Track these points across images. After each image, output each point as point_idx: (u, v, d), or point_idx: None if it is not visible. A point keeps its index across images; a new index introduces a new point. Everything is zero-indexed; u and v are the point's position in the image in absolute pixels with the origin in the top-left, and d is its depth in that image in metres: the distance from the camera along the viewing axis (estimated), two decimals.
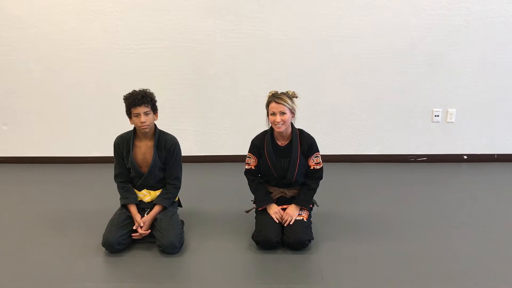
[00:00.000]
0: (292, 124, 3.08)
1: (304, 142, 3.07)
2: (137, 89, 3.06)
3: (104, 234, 3.02)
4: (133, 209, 3.12)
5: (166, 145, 3.18)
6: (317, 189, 3.15)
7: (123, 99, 3.03)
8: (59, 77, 4.50)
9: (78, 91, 4.54)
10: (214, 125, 4.63)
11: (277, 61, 4.39)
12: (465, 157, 4.68)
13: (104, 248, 3.03)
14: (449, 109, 4.51)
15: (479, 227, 3.40)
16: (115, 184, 3.21)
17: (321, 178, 3.14)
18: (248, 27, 4.28)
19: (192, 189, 4.01)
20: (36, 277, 2.82)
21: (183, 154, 4.66)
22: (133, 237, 3.05)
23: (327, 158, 4.67)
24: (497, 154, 4.66)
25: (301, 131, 3.12)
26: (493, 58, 4.33)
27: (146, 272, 2.80)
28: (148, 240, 3.12)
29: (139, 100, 3.00)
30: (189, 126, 4.62)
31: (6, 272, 2.86)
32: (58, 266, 2.92)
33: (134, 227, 3.05)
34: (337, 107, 4.53)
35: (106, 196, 3.98)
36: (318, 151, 3.10)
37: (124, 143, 3.14)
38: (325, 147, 4.65)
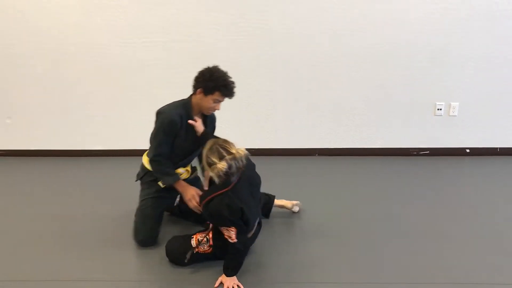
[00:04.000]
0: None
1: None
2: (226, 73, 2.98)
3: (139, 229, 3.04)
4: (182, 183, 3.07)
5: (211, 120, 3.21)
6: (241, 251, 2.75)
7: (215, 77, 2.90)
8: (62, 71, 4.50)
9: (81, 85, 4.55)
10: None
11: (280, 55, 4.39)
12: (468, 150, 4.68)
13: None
14: (452, 103, 4.50)
15: (482, 220, 3.41)
16: (152, 163, 3.04)
17: (239, 249, 2.69)
18: (251, 21, 4.27)
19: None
20: (40, 273, 2.85)
21: None
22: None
23: (330, 152, 4.70)
24: (500, 148, 4.66)
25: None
26: (495, 52, 4.32)
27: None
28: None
29: (232, 94, 2.97)
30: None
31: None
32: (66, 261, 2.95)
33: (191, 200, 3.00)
34: (340, 101, 4.53)
35: (110, 190, 4.01)
36: (228, 225, 2.64)
37: (184, 121, 2.98)
38: (328, 141, 4.66)
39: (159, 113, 2.98)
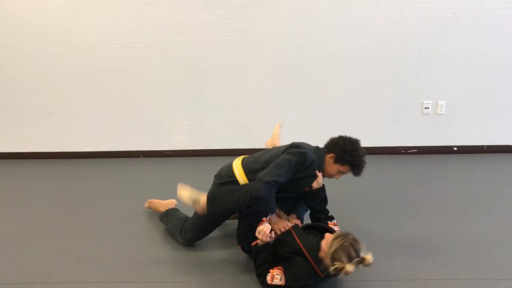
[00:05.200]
0: None
1: None
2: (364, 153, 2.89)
3: (194, 229, 3.00)
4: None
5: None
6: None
7: (357, 155, 2.82)
8: (50, 72, 4.47)
9: (69, 86, 4.52)
10: (206, 119, 4.64)
11: (269, 54, 4.40)
12: (455, 148, 4.73)
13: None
14: (439, 101, 4.55)
15: (469, 217, 3.46)
16: (268, 186, 2.71)
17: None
18: (239, 21, 4.28)
19: (188, 184, 4.03)
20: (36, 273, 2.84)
21: (175, 148, 4.72)
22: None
23: None
24: (487, 146, 4.72)
25: None
26: (482, 51, 4.37)
27: None
28: None
29: (360, 174, 2.91)
30: (181, 120, 4.63)
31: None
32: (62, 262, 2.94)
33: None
34: (329, 100, 4.56)
35: (100, 191, 4.00)
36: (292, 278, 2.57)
37: (310, 165, 2.84)
38: (317, 140, 4.66)
39: (297, 147, 2.82)
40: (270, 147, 3.24)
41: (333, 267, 2.38)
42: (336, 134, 4.59)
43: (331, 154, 2.82)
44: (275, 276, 2.54)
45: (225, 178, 3.00)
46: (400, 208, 3.62)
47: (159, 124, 4.65)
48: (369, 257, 2.39)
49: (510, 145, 4.71)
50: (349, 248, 2.38)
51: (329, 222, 2.96)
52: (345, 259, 2.35)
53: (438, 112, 4.59)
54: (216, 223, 3.05)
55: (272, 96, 4.54)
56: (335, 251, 2.38)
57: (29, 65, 4.45)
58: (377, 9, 4.24)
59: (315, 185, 2.95)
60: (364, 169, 2.87)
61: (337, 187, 3.94)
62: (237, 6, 4.24)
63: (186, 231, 3.03)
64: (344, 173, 2.88)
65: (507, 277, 2.74)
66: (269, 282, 2.55)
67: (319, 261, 2.54)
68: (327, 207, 3.01)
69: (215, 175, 3.12)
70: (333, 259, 2.38)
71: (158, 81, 4.48)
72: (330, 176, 2.93)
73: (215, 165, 3.25)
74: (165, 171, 4.40)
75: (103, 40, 4.36)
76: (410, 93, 4.53)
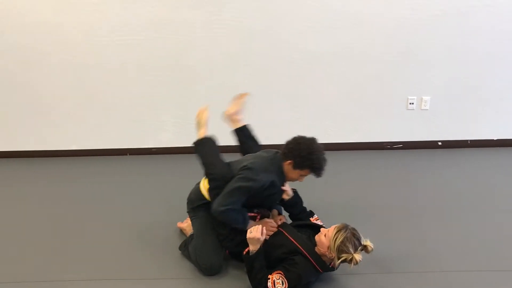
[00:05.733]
0: None
1: None
2: (322, 150, 2.81)
3: (205, 260, 2.80)
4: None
5: None
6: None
7: (313, 158, 2.72)
8: (35, 70, 4.42)
9: (55, 85, 4.48)
10: (193, 116, 4.61)
11: (257, 51, 4.40)
12: (440, 143, 4.80)
13: None
14: (423, 97, 4.60)
15: (453, 210, 3.52)
16: (223, 215, 2.73)
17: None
18: (227, 17, 4.27)
19: (175, 181, 4.04)
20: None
21: (162, 146, 4.71)
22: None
23: None
24: (470, 140, 4.79)
25: None
26: (465, 47, 4.42)
27: None
28: None
29: (322, 175, 2.82)
30: (168, 117, 4.62)
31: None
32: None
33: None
34: (316, 96, 4.58)
35: (87, 190, 3.98)
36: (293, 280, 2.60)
37: (271, 185, 2.78)
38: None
39: (249, 171, 2.72)
40: (228, 115, 3.26)
41: (341, 259, 2.43)
42: (324, 130, 4.69)
43: (289, 161, 2.73)
44: (276, 281, 2.53)
45: (197, 202, 2.96)
46: (386, 203, 3.67)
47: (145, 121, 4.63)
48: (369, 243, 2.49)
49: (493, 139, 4.79)
50: (353, 238, 2.45)
51: (311, 218, 2.98)
52: (352, 250, 2.43)
53: (423, 107, 4.64)
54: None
55: (260, 93, 4.54)
56: (342, 243, 2.43)
57: (13, 63, 4.40)
58: (364, 5, 4.26)
59: (285, 197, 2.97)
60: (325, 168, 2.77)
61: (321, 182, 3.98)
62: (225, 3, 4.23)
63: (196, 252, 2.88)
64: (306, 175, 2.80)
65: (493, 268, 2.81)
66: None
67: (317, 256, 2.57)
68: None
69: (187, 202, 3.06)
70: (341, 251, 2.43)
71: (145, 78, 4.46)
72: (293, 180, 2.86)
73: None
74: (152, 169, 4.39)
75: (89, 37, 4.32)
76: (395, 89, 4.58)
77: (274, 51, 4.41)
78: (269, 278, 2.55)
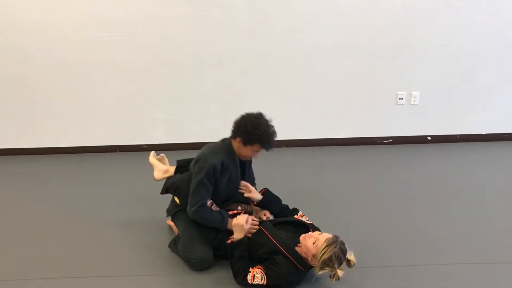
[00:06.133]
0: None
1: None
2: (269, 124, 2.77)
3: (195, 254, 2.78)
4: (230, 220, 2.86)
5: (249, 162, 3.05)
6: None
7: (259, 131, 2.69)
8: (26, 68, 4.40)
9: (45, 82, 4.46)
10: (184, 113, 4.63)
11: (245, 47, 4.40)
12: (429, 138, 4.82)
13: None
14: (413, 92, 4.62)
15: (443, 204, 3.55)
16: (196, 215, 2.78)
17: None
18: (215, 14, 4.26)
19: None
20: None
21: (153, 143, 4.70)
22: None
23: (297, 143, 4.76)
24: (459, 135, 4.82)
25: None
26: (454, 42, 4.45)
27: None
28: None
29: (272, 148, 2.78)
30: (159, 114, 4.61)
31: None
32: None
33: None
34: (305, 92, 4.59)
35: (77, 187, 3.97)
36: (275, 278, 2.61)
37: (225, 167, 2.81)
38: (294, 132, 4.72)
39: (199, 160, 2.77)
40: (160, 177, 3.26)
41: (323, 271, 2.46)
42: (314, 126, 4.70)
43: (238, 139, 2.75)
44: (256, 275, 2.56)
45: (174, 210, 3.01)
46: (376, 197, 3.69)
47: (136, 118, 4.62)
48: (352, 258, 2.51)
49: (482, 134, 4.82)
50: (340, 254, 2.46)
51: (295, 215, 2.99)
52: (336, 266, 2.44)
53: (412, 102, 4.66)
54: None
55: (249, 89, 4.55)
56: (328, 258, 2.43)
57: (3, 61, 4.37)
58: (352, 1, 4.27)
59: (247, 195, 2.96)
60: (274, 140, 2.76)
61: (312, 178, 3.99)
62: None
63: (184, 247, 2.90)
64: (259, 150, 2.78)
65: (483, 261, 2.83)
66: (249, 282, 2.57)
67: (298, 256, 2.58)
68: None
69: (166, 211, 3.10)
70: (326, 264, 2.44)
71: (135, 74, 4.45)
72: (248, 158, 2.87)
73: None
74: (142, 166, 4.37)
75: (79, 34, 4.30)
76: (385, 84, 4.60)
77: (263, 48, 4.41)
78: (250, 271, 2.58)
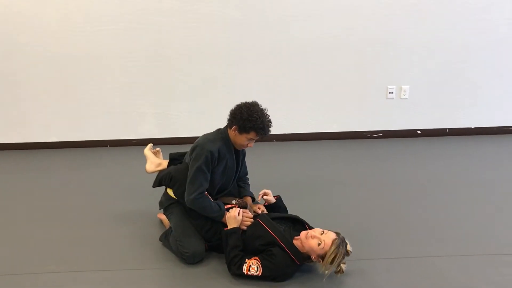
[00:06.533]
0: None
1: None
2: (264, 112, 2.79)
3: (188, 247, 2.76)
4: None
5: (243, 152, 3.05)
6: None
7: (254, 118, 2.71)
8: (12, 61, 4.36)
9: (33, 75, 4.42)
10: (174, 107, 4.61)
11: (235, 41, 4.40)
12: (419, 132, 4.85)
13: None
14: (402, 86, 4.64)
15: (432, 197, 3.57)
16: (196, 202, 2.77)
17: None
18: (204, 7, 4.25)
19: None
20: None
21: (143, 137, 4.68)
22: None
23: (288, 137, 4.77)
24: (449, 129, 4.86)
25: None
26: (444, 36, 4.48)
27: None
28: None
29: (268, 134, 2.81)
30: (149, 109, 4.59)
31: None
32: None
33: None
34: (295, 86, 4.60)
35: (67, 181, 3.95)
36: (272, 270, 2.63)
37: (221, 155, 2.83)
38: (285, 126, 4.72)
39: (197, 147, 2.79)
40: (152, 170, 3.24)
41: (330, 269, 2.51)
42: (304, 120, 4.71)
43: (234, 127, 2.77)
44: (252, 266, 2.57)
45: (167, 203, 3.00)
46: (366, 190, 3.71)
47: (126, 112, 4.60)
48: (348, 247, 2.58)
49: (471, 128, 4.86)
50: (345, 253, 2.55)
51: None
52: (342, 263, 2.54)
53: (402, 96, 4.68)
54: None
55: (239, 83, 4.54)
56: (336, 259, 2.49)
57: None
58: None
59: (268, 198, 3.02)
60: (270, 127, 2.79)
61: (302, 171, 4.00)
62: None
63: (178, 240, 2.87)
64: (254, 139, 2.81)
65: (471, 252, 2.85)
66: (244, 272, 2.57)
67: (295, 249, 2.59)
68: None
69: (159, 204, 3.09)
70: (334, 265, 2.50)
71: (124, 69, 4.43)
72: (243, 147, 2.88)
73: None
74: (132, 160, 4.37)
75: (67, 27, 4.27)
76: (375, 78, 4.61)
77: (253, 42, 4.41)
78: (246, 262, 2.59)
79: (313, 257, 2.56)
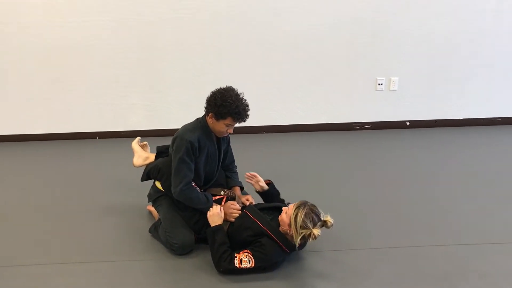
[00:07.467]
0: None
1: None
2: (239, 96, 2.76)
3: (177, 238, 2.77)
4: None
5: (224, 137, 3.03)
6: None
7: (227, 103, 2.68)
8: None
9: (19, 67, 4.37)
10: (163, 99, 4.59)
11: (225, 33, 4.38)
12: (408, 123, 4.88)
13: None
14: (392, 78, 4.66)
15: (420, 187, 3.60)
16: (182, 194, 2.78)
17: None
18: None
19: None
20: None
21: (133, 129, 4.66)
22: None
23: (277, 129, 4.77)
24: (437, 120, 4.89)
25: None
26: (433, 28, 4.49)
27: None
28: None
29: (245, 119, 2.78)
30: (137, 100, 4.57)
31: None
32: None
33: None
34: (284, 78, 4.59)
35: (56, 174, 3.93)
36: (263, 259, 2.64)
37: (202, 144, 2.82)
38: (275, 118, 4.72)
39: (177, 138, 2.79)
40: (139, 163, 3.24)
41: (301, 235, 2.48)
42: (294, 112, 4.71)
43: (210, 114, 2.76)
44: (243, 259, 2.57)
45: (155, 195, 3.01)
46: (355, 181, 3.73)
47: (114, 104, 4.57)
48: (329, 218, 2.54)
49: (459, 119, 4.89)
50: (311, 214, 2.51)
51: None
52: (310, 225, 2.48)
53: (391, 88, 4.70)
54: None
55: (228, 75, 4.52)
56: (301, 219, 2.48)
57: None
58: None
59: (260, 184, 3.01)
60: (246, 111, 2.76)
61: (292, 163, 4.01)
62: None
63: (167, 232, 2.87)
64: (232, 124, 2.78)
65: (459, 242, 2.89)
66: (237, 266, 2.57)
67: (283, 237, 2.60)
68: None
69: (147, 196, 3.09)
70: (300, 227, 2.48)
71: (113, 60, 4.39)
72: (223, 133, 2.86)
73: None
74: (121, 152, 4.34)
75: (54, 19, 4.23)
76: (364, 70, 4.62)
77: (242, 34, 4.40)
78: (236, 257, 2.59)
79: (288, 231, 2.58)
